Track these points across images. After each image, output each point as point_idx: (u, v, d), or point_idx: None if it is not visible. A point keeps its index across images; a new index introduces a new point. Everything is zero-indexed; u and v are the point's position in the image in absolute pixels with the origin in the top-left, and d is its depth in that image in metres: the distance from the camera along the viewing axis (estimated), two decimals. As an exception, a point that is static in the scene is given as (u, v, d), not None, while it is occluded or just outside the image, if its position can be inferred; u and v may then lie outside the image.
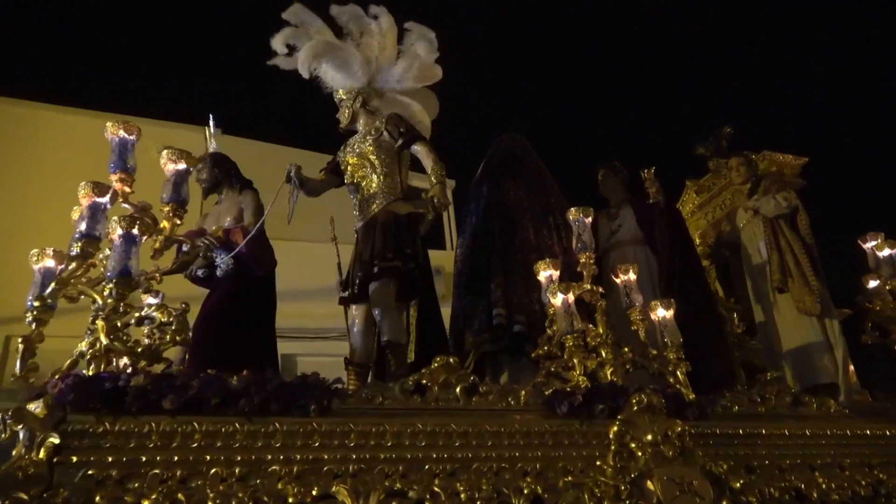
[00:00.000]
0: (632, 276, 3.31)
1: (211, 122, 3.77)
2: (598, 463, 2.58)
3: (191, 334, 3.38)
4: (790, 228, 4.14)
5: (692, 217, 5.43)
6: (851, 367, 4.09)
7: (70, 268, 2.35)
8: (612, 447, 2.61)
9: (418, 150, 3.47)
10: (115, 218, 2.33)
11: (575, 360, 2.86)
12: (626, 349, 3.24)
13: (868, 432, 3.18)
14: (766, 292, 4.17)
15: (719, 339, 4.01)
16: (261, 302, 3.46)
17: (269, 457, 2.21)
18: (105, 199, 2.48)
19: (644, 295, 3.75)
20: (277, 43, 3.59)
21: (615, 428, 2.64)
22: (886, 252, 3.76)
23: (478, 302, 3.69)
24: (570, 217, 3.33)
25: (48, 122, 6.25)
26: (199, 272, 3.49)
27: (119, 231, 2.31)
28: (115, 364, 3.73)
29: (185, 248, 3.54)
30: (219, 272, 3.41)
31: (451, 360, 2.64)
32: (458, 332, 3.80)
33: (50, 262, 2.51)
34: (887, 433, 3.19)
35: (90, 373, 2.26)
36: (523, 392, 2.71)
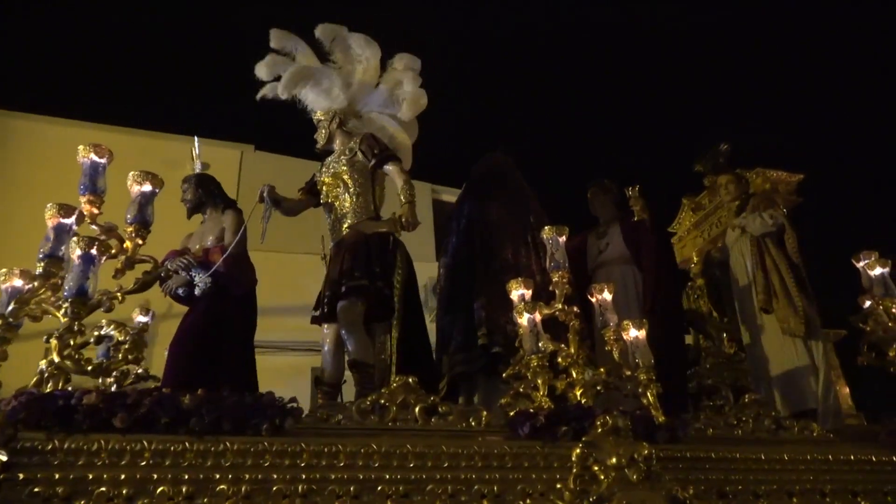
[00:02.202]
0: (606, 295, 3.27)
1: (196, 143, 3.85)
2: (558, 486, 2.54)
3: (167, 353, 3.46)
4: (777, 247, 4.04)
5: (689, 235, 5.36)
6: (846, 390, 3.97)
7: (32, 287, 2.41)
8: (574, 470, 2.56)
9: (390, 170, 3.50)
10: (75, 238, 2.39)
11: (539, 381, 2.82)
12: (601, 369, 3.21)
13: (853, 457, 3.06)
14: (753, 313, 4.07)
15: (679, 366, 3.91)
16: (239, 321, 3.49)
17: (218, 476, 2.22)
18: (70, 221, 2.54)
19: (629, 314, 3.72)
20: (261, 71, 3.68)
21: (578, 450, 2.59)
22: (878, 271, 3.64)
23: (455, 321, 3.68)
24: (544, 236, 3.31)
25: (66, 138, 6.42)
26: (180, 291, 3.54)
27: (78, 251, 2.35)
28: (101, 382, 3.80)
29: (167, 267, 3.61)
30: (197, 291, 3.45)
31: (411, 380, 2.64)
32: (439, 353, 3.79)
33: (18, 282, 2.57)
34: (873, 459, 3.07)
35: (47, 390, 2.30)
36: (484, 413, 2.69)
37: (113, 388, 3.45)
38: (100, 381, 3.88)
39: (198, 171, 3.90)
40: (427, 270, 5.34)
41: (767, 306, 3.91)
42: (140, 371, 4.22)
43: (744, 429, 3.08)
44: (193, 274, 3.46)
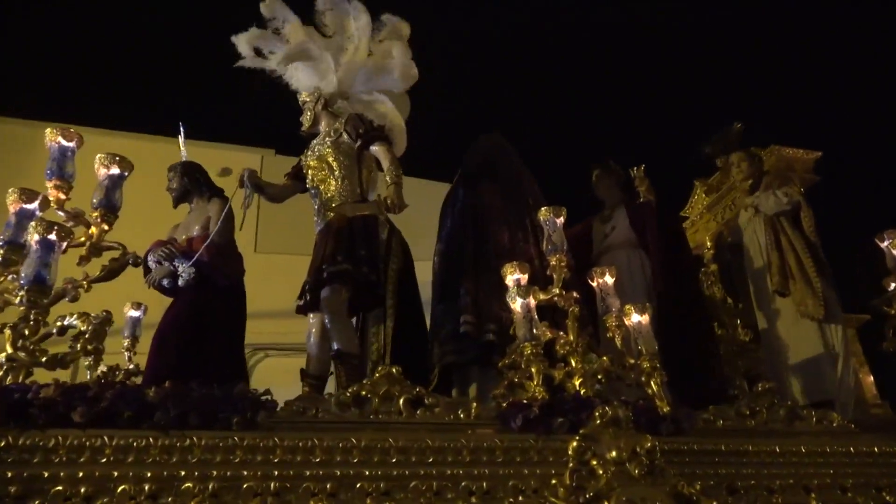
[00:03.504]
0: (607, 279, 3.08)
1: (181, 131, 3.72)
2: (553, 482, 2.37)
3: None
4: (793, 227, 3.80)
5: (702, 219, 5.13)
6: (870, 378, 3.73)
7: (-9, 276, 2.29)
8: (570, 465, 2.39)
9: (377, 150, 3.34)
10: (32, 223, 2.26)
11: (533, 370, 2.65)
12: (604, 358, 3.02)
13: (876, 449, 2.84)
14: (768, 297, 3.84)
15: (710, 351, 3.71)
16: (225, 313, 3.36)
17: (184, 473, 2.08)
18: (33, 206, 2.42)
19: (637, 300, 3.53)
20: (241, 44, 3.53)
21: (574, 444, 2.41)
22: (903, 250, 3.40)
23: (448, 310, 3.51)
24: (541, 217, 3.13)
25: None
26: (165, 282, 3.42)
27: (35, 236, 2.23)
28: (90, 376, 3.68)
29: (152, 261, 3.50)
30: (180, 282, 3.33)
31: (395, 369, 2.48)
32: (432, 343, 3.62)
33: (-19, 272, 2.45)
34: (899, 450, 2.85)
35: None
36: (474, 405, 2.52)
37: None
38: (88, 375, 3.81)
39: (182, 159, 3.77)
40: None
41: (783, 288, 3.67)
42: (131, 367, 4.14)
43: (757, 419, 2.88)
44: (177, 264, 3.34)
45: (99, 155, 2.55)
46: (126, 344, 4.13)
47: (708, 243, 4.90)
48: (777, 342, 3.76)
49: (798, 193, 3.89)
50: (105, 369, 3.82)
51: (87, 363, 3.76)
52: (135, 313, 4.25)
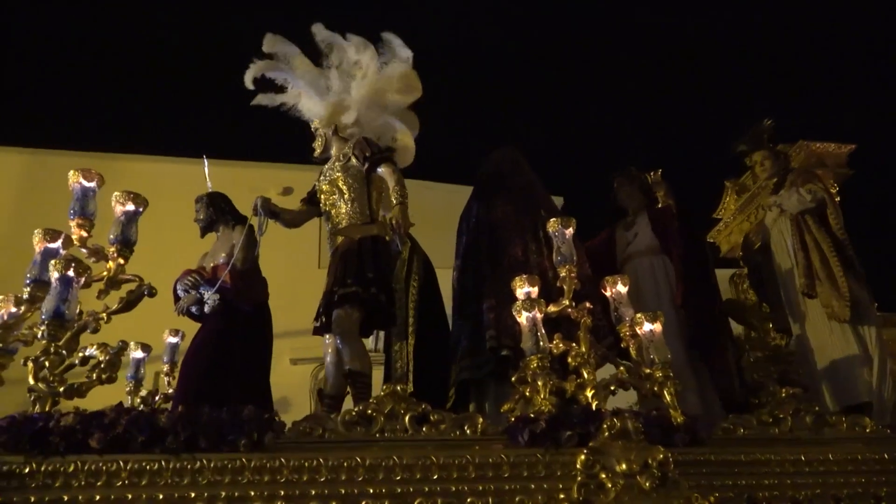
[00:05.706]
0: (620, 288, 3.05)
1: (206, 163, 3.88)
2: (560, 497, 2.35)
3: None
4: (818, 225, 3.63)
5: (735, 220, 4.98)
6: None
7: (20, 312, 2.45)
8: (578, 478, 2.37)
9: (383, 171, 3.41)
10: (53, 261, 2.41)
11: (539, 383, 2.63)
12: (621, 368, 2.99)
13: (914, 456, 2.70)
14: (798, 299, 3.69)
15: (722, 359, 3.59)
16: (249, 336, 3.47)
17: (193, 494, 2.18)
18: (56, 245, 2.58)
19: (661, 308, 3.47)
20: (249, 77, 3.67)
21: (582, 457, 2.39)
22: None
23: (464, 327, 3.53)
24: (550, 229, 3.12)
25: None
26: (193, 309, 3.57)
27: (56, 274, 2.37)
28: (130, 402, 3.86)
29: (181, 290, 3.66)
30: (206, 308, 3.47)
31: (399, 388, 2.52)
32: (451, 360, 3.63)
33: (13, 309, 2.62)
34: (938, 457, 2.70)
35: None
36: (480, 420, 2.53)
37: (140, 408, 3.54)
38: (129, 400, 3.99)
39: (209, 190, 3.93)
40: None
41: (810, 290, 3.51)
42: (170, 391, 4.31)
43: (781, 427, 2.77)
44: (203, 291, 3.48)
45: (116, 193, 2.69)
46: (165, 369, 4.31)
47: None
48: (810, 346, 3.60)
49: (822, 190, 3.72)
50: (144, 394, 4.02)
51: (127, 388, 4.00)
52: (173, 340, 4.43)
